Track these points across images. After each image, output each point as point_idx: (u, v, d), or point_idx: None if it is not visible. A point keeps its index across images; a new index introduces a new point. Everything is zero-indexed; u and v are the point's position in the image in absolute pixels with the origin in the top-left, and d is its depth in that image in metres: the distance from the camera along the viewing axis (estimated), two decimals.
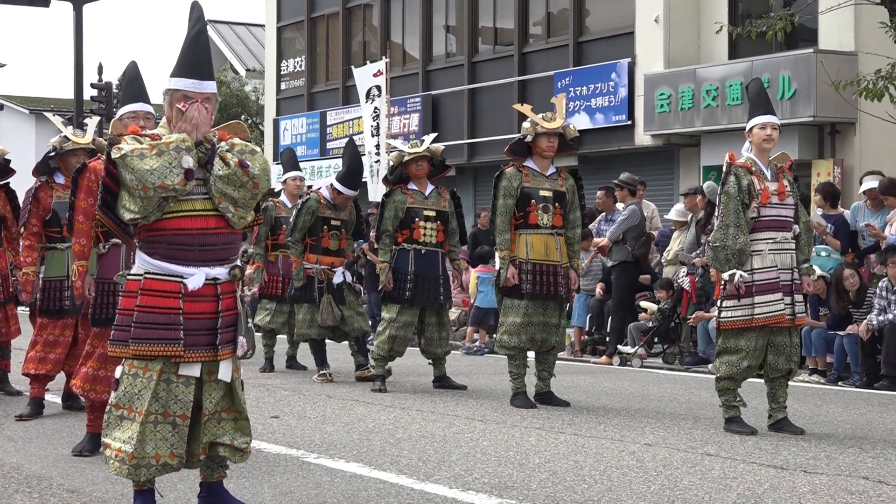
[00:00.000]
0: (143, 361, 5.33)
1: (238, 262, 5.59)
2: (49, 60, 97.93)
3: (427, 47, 26.64)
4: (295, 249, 11.63)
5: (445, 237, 11.03)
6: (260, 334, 13.03)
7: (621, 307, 14.93)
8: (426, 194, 10.98)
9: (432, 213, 10.93)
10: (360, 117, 22.75)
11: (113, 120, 6.67)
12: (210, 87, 5.47)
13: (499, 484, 6.42)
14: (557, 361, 10.12)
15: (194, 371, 5.37)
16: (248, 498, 5.98)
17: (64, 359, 9.01)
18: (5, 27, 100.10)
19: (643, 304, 14.86)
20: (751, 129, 8.36)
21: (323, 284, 11.57)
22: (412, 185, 10.98)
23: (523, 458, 7.19)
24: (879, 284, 12.09)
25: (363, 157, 17.63)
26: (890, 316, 11.73)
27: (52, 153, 9.08)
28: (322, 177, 26.65)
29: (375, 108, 20.79)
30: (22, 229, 9.45)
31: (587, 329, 15.84)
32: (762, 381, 8.49)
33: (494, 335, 12.79)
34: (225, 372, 5.44)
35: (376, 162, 20.48)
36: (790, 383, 8.57)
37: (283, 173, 13.29)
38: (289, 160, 13.54)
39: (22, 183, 10.01)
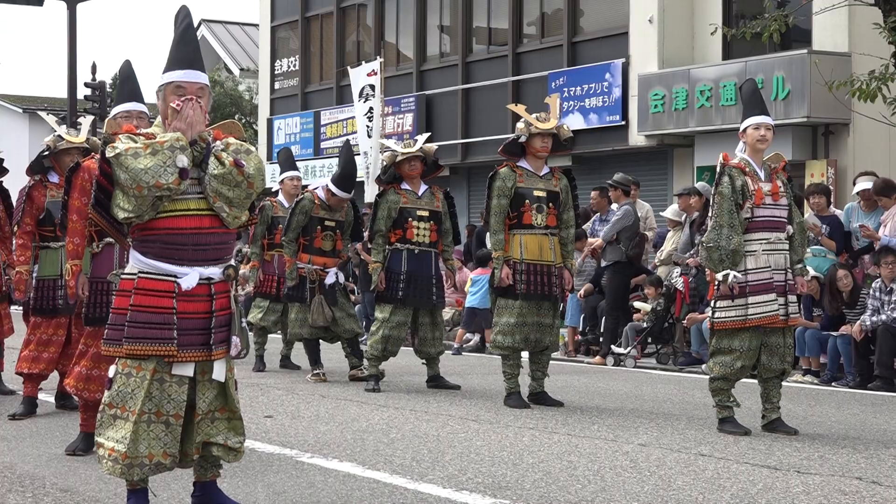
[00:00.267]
0: (136, 361, 5.33)
1: (232, 262, 5.59)
2: (43, 59, 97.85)
3: (421, 47, 26.65)
4: (289, 249, 11.64)
5: (439, 237, 11.03)
6: (251, 332, 13.02)
7: (615, 307, 14.93)
8: (419, 194, 10.98)
9: (426, 213, 10.93)
10: (354, 117, 22.76)
11: (107, 119, 6.66)
12: (202, 77, 5.47)
13: (492, 484, 6.41)
14: (551, 362, 10.13)
15: (188, 371, 5.37)
16: (241, 497, 5.98)
17: (57, 358, 9.00)
18: None
19: (637, 304, 14.87)
20: (745, 129, 8.37)
21: (315, 285, 11.58)
22: (405, 185, 10.98)
23: (517, 458, 7.19)
24: (873, 285, 12.10)
25: (358, 158, 17.65)
26: (883, 317, 11.74)
27: (46, 152, 9.07)
28: (316, 176, 26.68)
29: (370, 108, 20.79)
30: (15, 228, 9.44)
31: (581, 329, 15.84)
32: (756, 381, 8.50)
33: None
34: (219, 372, 5.44)
35: (368, 163, 20.47)
36: (784, 384, 8.59)
37: (281, 173, 13.29)
38: (286, 160, 13.53)
39: (15, 182, 10.00)
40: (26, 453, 7.46)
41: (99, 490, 6.27)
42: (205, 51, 35.70)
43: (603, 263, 15.20)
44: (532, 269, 9.65)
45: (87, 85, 30.23)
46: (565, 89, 22.08)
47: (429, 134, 12.47)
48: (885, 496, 6.14)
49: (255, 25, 35.18)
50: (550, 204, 9.75)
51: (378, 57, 21.68)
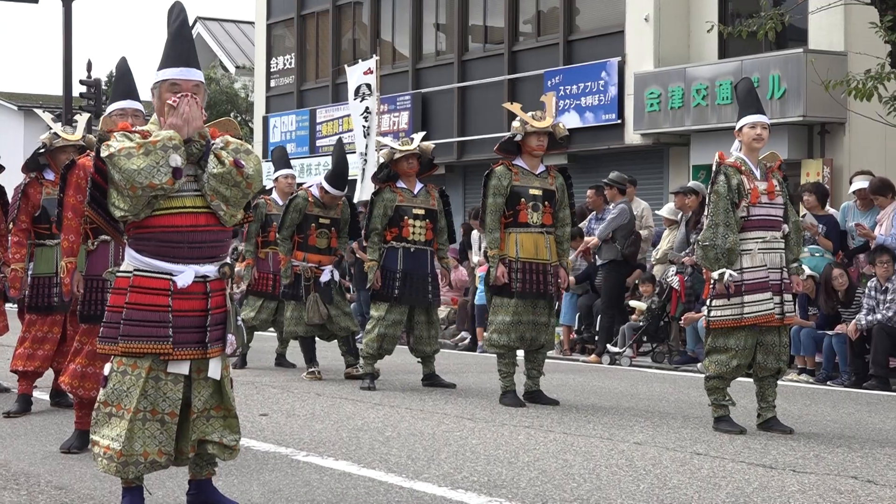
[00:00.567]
0: (131, 359, 5.32)
1: (228, 260, 5.58)
2: (38, 56, 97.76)
3: (417, 45, 26.64)
4: (283, 247, 11.65)
5: (434, 235, 11.03)
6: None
7: (610, 306, 14.94)
8: (415, 192, 10.98)
9: (421, 212, 10.93)
10: (350, 115, 22.73)
11: (102, 116, 6.65)
12: (197, 75, 5.46)
13: (488, 482, 6.41)
14: (546, 360, 10.13)
15: (183, 369, 5.36)
16: (236, 496, 5.97)
17: (52, 355, 8.99)
18: None
19: (633, 303, 14.87)
20: (741, 128, 8.37)
21: (310, 282, 11.58)
22: (401, 184, 10.98)
23: (512, 457, 7.19)
24: (868, 284, 12.11)
25: (353, 156, 17.63)
26: (878, 316, 11.75)
27: (42, 150, 9.07)
28: (311, 174, 26.64)
29: (367, 108, 20.76)
30: (11, 225, 9.43)
31: (576, 328, 15.85)
32: (751, 380, 8.50)
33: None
34: (214, 369, 5.43)
35: (364, 162, 20.43)
36: (779, 383, 8.58)
37: (275, 171, 13.32)
38: (280, 158, 13.58)
39: (11, 179, 9.99)
40: (21, 451, 7.45)
41: (94, 488, 6.26)
42: (200, 48, 35.79)
43: (598, 262, 15.21)
44: (528, 268, 9.64)
45: (82, 82, 30.20)
46: (561, 88, 22.08)
47: (424, 133, 12.48)
48: (880, 495, 6.15)
49: (251, 23, 35.16)
50: (546, 202, 9.75)
51: (374, 55, 21.65)
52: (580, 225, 15.40)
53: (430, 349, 11.10)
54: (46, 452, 7.39)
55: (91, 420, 5.43)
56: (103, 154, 5.24)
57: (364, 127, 20.70)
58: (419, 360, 11.25)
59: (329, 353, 13.16)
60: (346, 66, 23.52)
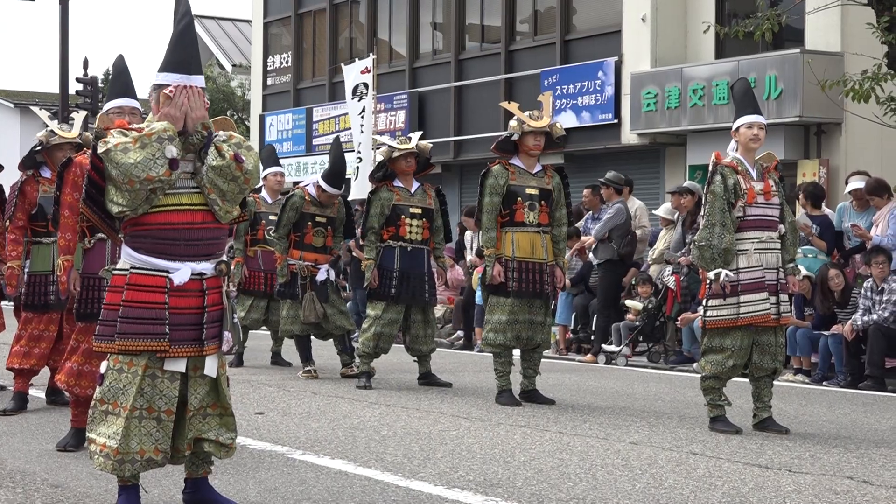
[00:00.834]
0: (128, 356, 5.32)
1: (224, 258, 5.58)
2: (34, 54, 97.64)
3: (414, 44, 26.62)
4: (279, 245, 11.65)
5: (431, 234, 11.03)
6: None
7: (607, 306, 14.94)
8: (412, 192, 10.98)
9: (418, 211, 10.94)
10: (347, 114, 22.73)
11: (99, 114, 6.65)
12: (199, 81, 5.46)
13: (484, 481, 6.41)
14: (542, 359, 10.13)
15: (179, 366, 5.36)
16: (232, 494, 5.97)
17: (48, 353, 8.98)
18: None
19: (629, 302, 14.87)
20: (737, 128, 8.37)
21: (306, 281, 11.58)
22: (398, 183, 10.98)
23: (508, 456, 7.19)
24: (864, 285, 12.12)
25: (350, 154, 17.62)
26: (874, 316, 11.76)
27: (39, 147, 9.06)
28: (308, 173, 26.64)
29: (364, 107, 20.76)
30: (7, 223, 9.42)
31: (572, 327, 15.85)
32: (747, 380, 8.51)
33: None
34: (210, 367, 5.44)
35: (359, 160, 20.42)
36: (775, 383, 8.59)
37: (264, 169, 13.35)
38: (269, 156, 13.70)
39: (7, 177, 9.98)
40: (17, 449, 7.45)
41: (90, 486, 6.26)
42: (199, 47, 35.68)
43: (595, 262, 15.21)
44: (524, 267, 9.65)
45: (78, 80, 30.17)
46: (558, 87, 22.07)
47: (421, 132, 12.47)
48: (875, 495, 6.15)
49: (248, 21, 35.14)
50: (542, 202, 9.75)
51: (371, 54, 21.64)
52: (576, 225, 15.40)
53: (427, 348, 11.10)
54: (42, 450, 7.39)
55: (87, 418, 5.43)
56: (100, 151, 5.24)
57: (361, 126, 20.71)
58: (415, 359, 11.25)
59: (325, 351, 13.16)
60: (342, 64, 23.50)
